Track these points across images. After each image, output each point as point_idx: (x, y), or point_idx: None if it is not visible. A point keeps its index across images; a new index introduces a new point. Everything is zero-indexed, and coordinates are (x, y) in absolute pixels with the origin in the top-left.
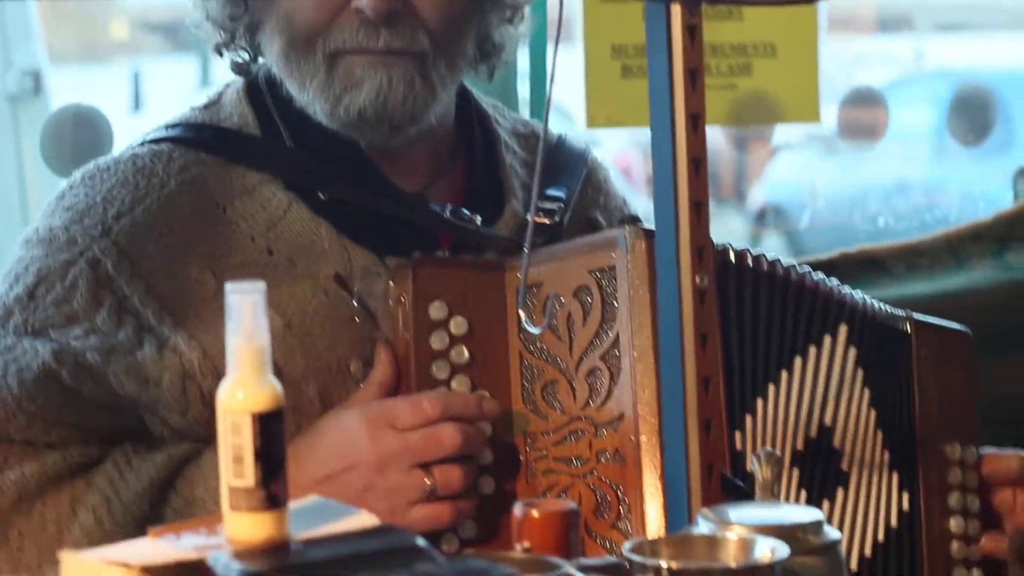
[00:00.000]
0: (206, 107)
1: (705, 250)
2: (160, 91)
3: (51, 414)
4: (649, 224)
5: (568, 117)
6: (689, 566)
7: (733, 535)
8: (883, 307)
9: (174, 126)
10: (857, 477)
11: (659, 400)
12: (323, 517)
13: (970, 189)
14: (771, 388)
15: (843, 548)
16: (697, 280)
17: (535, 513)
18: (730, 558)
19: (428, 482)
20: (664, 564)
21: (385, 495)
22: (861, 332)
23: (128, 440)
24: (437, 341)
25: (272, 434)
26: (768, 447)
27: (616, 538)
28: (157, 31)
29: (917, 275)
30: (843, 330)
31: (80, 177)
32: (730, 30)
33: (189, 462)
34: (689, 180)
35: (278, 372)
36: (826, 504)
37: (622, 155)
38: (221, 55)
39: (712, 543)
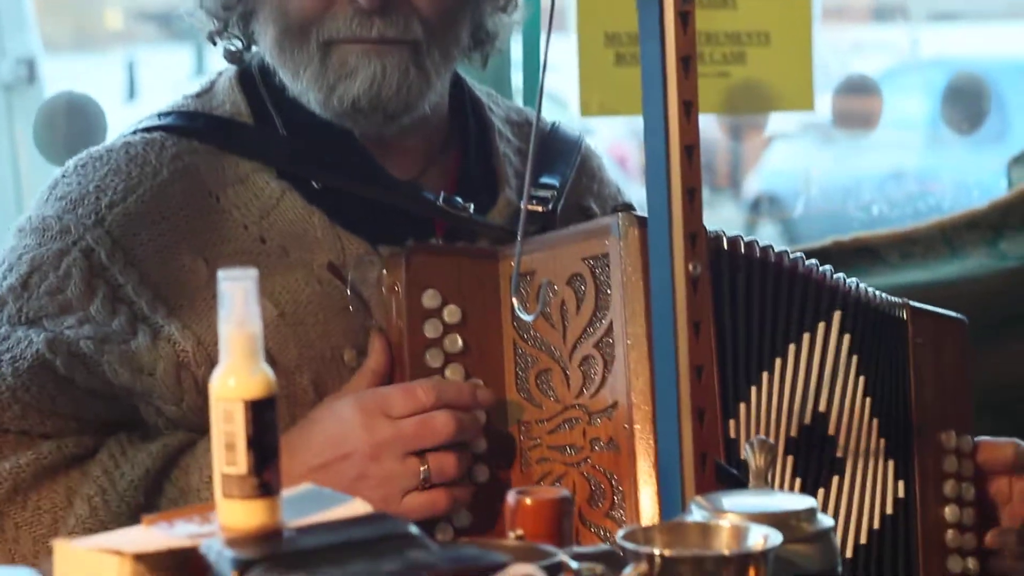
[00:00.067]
0: (199, 95)
1: (698, 237)
2: (155, 80)
3: (46, 404)
4: (643, 212)
5: (562, 105)
6: (682, 554)
7: (726, 523)
8: (878, 294)
9: (167, 114)
10: (852, 465)
11: (653, 388)
12: (316, 505)
13: (964, 177)
14: (765, 376)
15: (838, 536)
16: (690, 268)
17: (528, 501)
18: (723, 546)
19: (422, 469)
20: (657, 552)
21: (379, 483)
22: (855, 319)
23: (123, 430)
24: (431, 329)
25: (264, 421)
26: (762, 435)
27: (610, 527)
28: (152, 20)
29: (911, 263)
30: (837, 317)
31: (73, 166)
32: (724, 18)
33: (184, 451)
34: (682, 167)
35: (272, 361)
36: (821, 492)
37: (617, 144)
38: (215, 44)
39: (705, 531)
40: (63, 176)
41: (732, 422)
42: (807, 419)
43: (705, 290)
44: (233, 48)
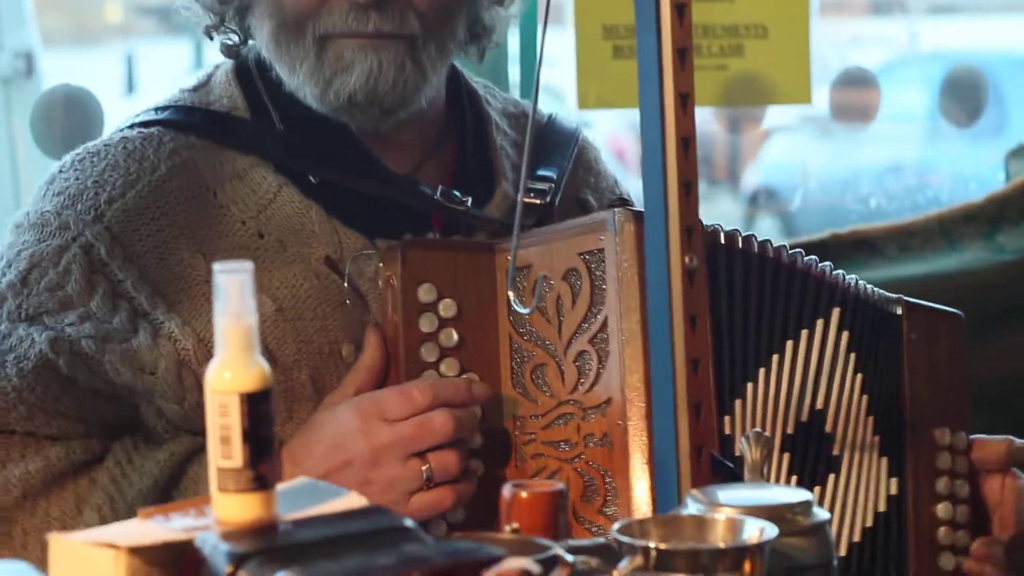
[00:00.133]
0: (195, 89)
1: (694, 230)
2: (154, 74)
3: (50, 405)
4: (640, 205)
5: (560, 98)
6: (677, 547)
7: (722, 516)
8: (874, 290)
9: (163, 109)
10: (848, 462)
11: (647, 384)
12: (311, 498)
13: (962, 171)
14: (762, 372)
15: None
16: (686, 260)
17: (524, 494)
18: (719, 539)
19: (424, 469)
20: (652, 544)
21: (383, 488)
22: (854, 315)
23: (127, 432)
24: (426, 324)
25: (260, 414)
26: (758, 424)
27: (603, 523)
28: (151, 14)
29: (909, 256)
30: (836, 313)
31: (70, 161)
32: (722, 11)
33: (191, 459)
34: (678, 160)
35: (270, 357)
36: (817, 490)
37: (615, 137)
38: (211, 38)
39: (701, 524)
40: (60, 171)
41: (728, 418)
42: (804, 416)
43: (701, 283)
44: (230, 42)
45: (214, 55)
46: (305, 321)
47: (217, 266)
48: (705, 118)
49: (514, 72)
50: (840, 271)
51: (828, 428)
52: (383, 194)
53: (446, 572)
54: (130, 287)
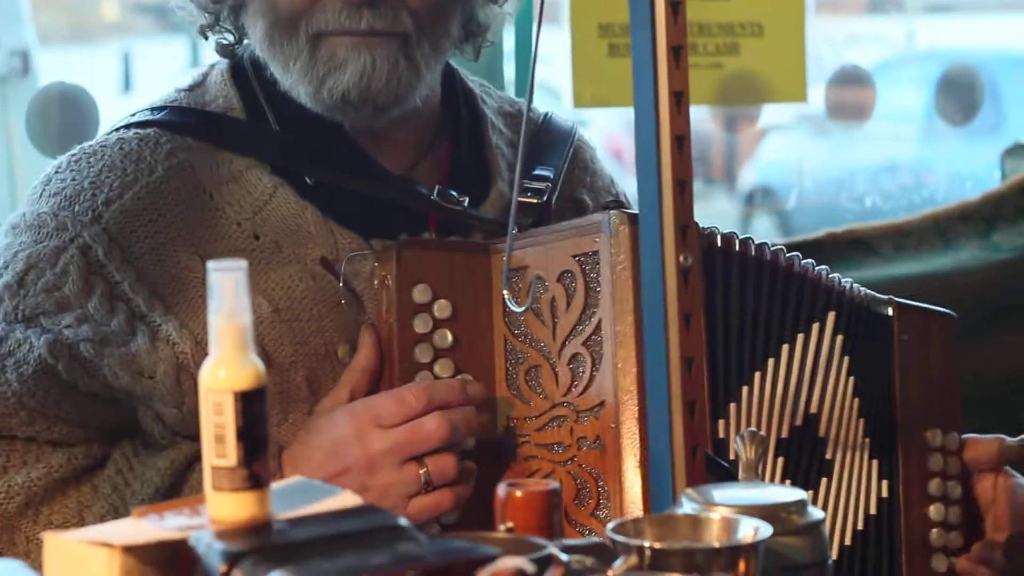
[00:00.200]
0: (191, 89)
1: (689, 229)
2: (150, 72)
3: (51, 410)
4: (635, 203)
5: (555, 96)
6: (672, 546)
7: (716, 515)
8: (865, 291)
9: (160, 109)
10: (839, 465)
11: (640, 386)
12: (305, 497)
13: (958, 169)
14: (757, 376)
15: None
16: (681, 259)
17: (518, 493)
18: (713, 538)
19: (421, 473)
20: (647, 544)
21: (381, 494)
22: (848, 318)
23: (126, 436)
24: (420, 324)
25: (254, 413)
26: (752, 427)
27: (596, 527)
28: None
29: (904, 255)
30: (831, 317)
31: (66, 162)
32: (717, 9)
33: (192, 467)
34: (672, 158)
35: (267, 359)
36: (810, 494)
37: (611, 135)
38: (206, 37)
39: (695, 523)
40: (56, 172)
41: (722, 422)
42: (798, 420)
43: (696, 282)
44: (225, 42)
45: (211, 54)
46: (301, 322)
47: (211, 264)
48: (701, 117)
49: (509, 70)
50: (835, 274)
51: (822, 432)
52: (379, 194)
53: (440, 571)
54: (128, 288)
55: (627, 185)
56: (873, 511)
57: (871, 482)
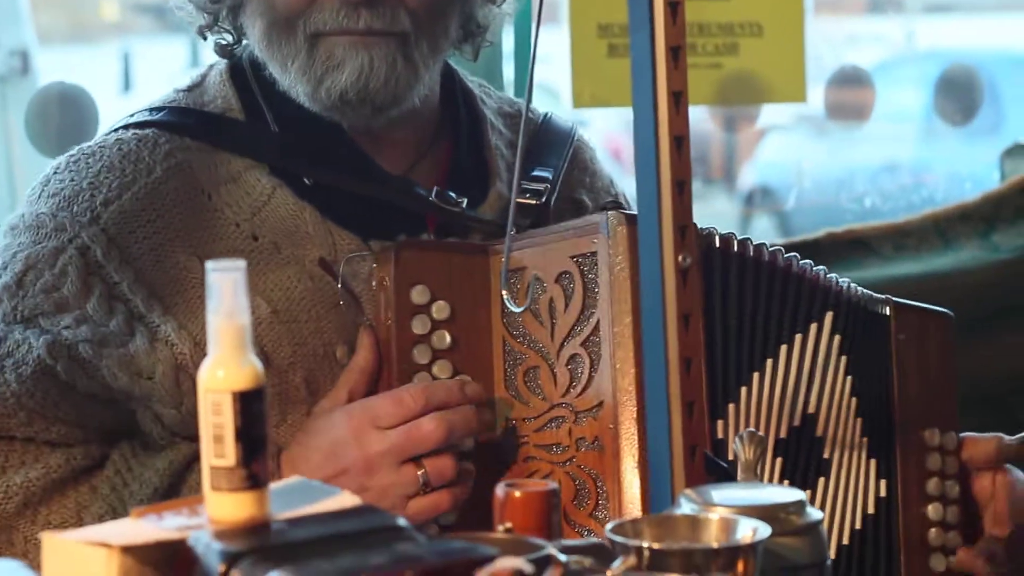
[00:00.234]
0: (189, 89)
1: (688, 229)
2: (150, 72)
3: (50, 410)
4: (634, 203)
5: (555, 96)
6: (671, 546)
7: (715, 515)
8: (863, 291)
9: (158, 109)
10: (837, 465)
11: (639, 387)
12: (304, 497)
13: (957, 170)
14: (755, 376)
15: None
16: (679, 259)
17: (517, 494)
18: (712, 538)
19: (420, 474)
20: (646, 544)
21: (379, 495)
22: (846, 318)
23: (125, 437)
24: (419, 325)
25: (253, 413)
26: (751, 428)
27: (594, 527)
28: (148, 12)
29: (904, 255)
30: (829, 318)
31: (65, 162)
32: (716, 9)
33: (191, 468)
34: (671, 158)
35: (266, 360)
36: (808, 494)
37: (611, 136)
38: (204, 38)
39: (694, 523)
40: (55, 172)
41: (720, 422)
42: (796, 420)
43: (695, 282)
44: (224, 42)
45: (210, 54)
46: (300, 323)
47: (210, 265)
48: (700, 117)
49: (509, 71)
50: (833, 274)
51: (820, 432)
52: (378, 195)
53: (439, 571)
54: (126, 289)
55: (626, 185)
56: (871, 511)
57: (869, 482)
